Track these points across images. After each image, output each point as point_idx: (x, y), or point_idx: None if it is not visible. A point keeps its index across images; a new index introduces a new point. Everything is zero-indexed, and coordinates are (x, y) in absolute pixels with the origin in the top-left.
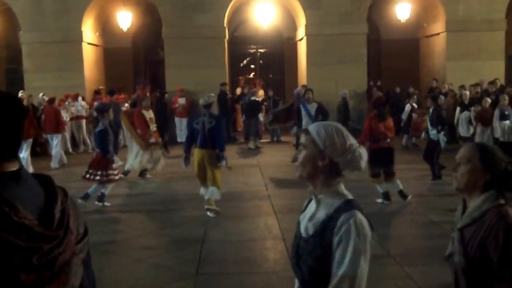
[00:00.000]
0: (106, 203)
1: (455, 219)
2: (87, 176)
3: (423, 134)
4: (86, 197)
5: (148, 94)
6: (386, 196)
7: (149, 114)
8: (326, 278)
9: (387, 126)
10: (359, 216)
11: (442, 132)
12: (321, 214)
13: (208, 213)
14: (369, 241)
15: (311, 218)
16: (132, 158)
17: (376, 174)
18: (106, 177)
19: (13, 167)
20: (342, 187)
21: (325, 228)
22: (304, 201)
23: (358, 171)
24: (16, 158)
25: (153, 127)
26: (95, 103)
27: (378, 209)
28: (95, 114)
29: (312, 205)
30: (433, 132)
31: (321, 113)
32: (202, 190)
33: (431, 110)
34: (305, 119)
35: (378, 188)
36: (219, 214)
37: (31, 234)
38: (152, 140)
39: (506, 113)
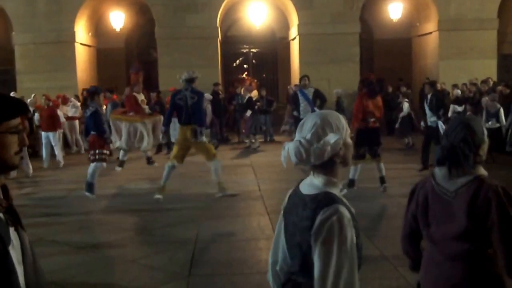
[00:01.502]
0: (92, 195)
1: None
2: (89, 157)
3: (422, 123)
4: (89, 188)
5: (140, 79)
6: (351, 183)
7: (140, 97)
8: None
9: (375, 104)
10: None
11: (442, 118)
12: None
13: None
14: None
15: None
16: (145, 139)
17: (361, 155)
18: (99, 156)
19: None
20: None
21: None
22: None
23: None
24: None
25: (145, 108)
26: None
27: (371, 209)
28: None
29: None
30: (432, 119)
31: (319, 98)
32: (175, 163)
33: (429, 97)
34: (303, 104)
35: (350, 172)
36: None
37: None
38: (149, 111)
39: (492, 111)
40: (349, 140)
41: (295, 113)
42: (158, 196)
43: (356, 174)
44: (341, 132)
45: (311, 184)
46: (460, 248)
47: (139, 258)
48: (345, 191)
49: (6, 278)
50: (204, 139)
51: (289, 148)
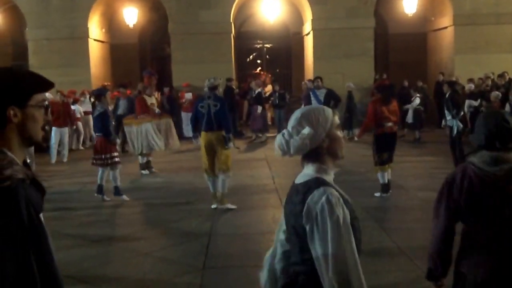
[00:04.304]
0: (125, 197)
1: None
2: (93, 161)
3: (443, 122)
4: (117, 192)
5: (153, 83)
6: (385, 188)
7: (151, 100)
8: None
9: (391, 110)
10: None
11: (456, 118)
12: None
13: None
14: None
15: None
16: (156, 139)
17: (384, 161)
18: (110, 160)
19: None
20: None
21: None
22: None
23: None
24: None
25: (155, 109)
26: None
27: (386, 202)
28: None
29: None
30: (448, 118)
31: (332, 99)
32: (207, 177)
33: (447, 96)
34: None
35: (380, 178)
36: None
37: None
38: (158, 110)
39: None
40: (336, 133)
41: None
42: (214, 206)
43: (385, 178)
44: (321, 126)
45: (304, 174)
46: None
47: (154, 251)
48: (378, 194)
49: (40, 245)
50: (232, 145)
51: (276, 139)
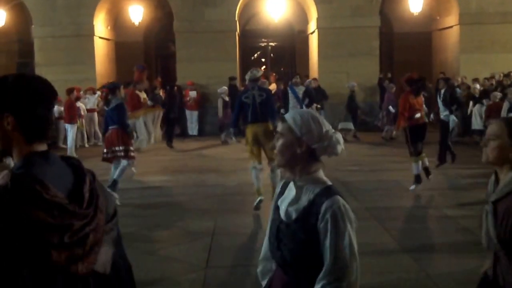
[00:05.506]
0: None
1: (487, 191)
2: (106, 155)
3: (431, 116)
4: (114, 186)
5: (144, 78)
6: (418, 178)
7: (142, 95)
8: (307, 261)
9: (419, 102)
10: (342, 201)
11: (454, 113)
12: (303, 200)
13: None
14: (354, 226)
15: (292, 203)
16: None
17: (419, 152)
18: (125, 152)
19: (42, 148)
20: (321, 173)
21: (308, 213)
22: (278, 186)
23: (335, 156)
24: (45, 139)
25: (147, 103)
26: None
27: (391, 202)
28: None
29: (292, 191)
30: (445, 113)
31: (308, 97)
32: (257, 165)
33: (442, 91)
34: (292, 102)
35: (414, 169)
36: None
37: (63, 212)
38: (150, 102)
39: None
40: None
41: (282, 110)
42: (258, 198)
43: (419, 169)
44: None
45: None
46: None
47: (157, 249)
48: (413, 187)
49: None
50: None
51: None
